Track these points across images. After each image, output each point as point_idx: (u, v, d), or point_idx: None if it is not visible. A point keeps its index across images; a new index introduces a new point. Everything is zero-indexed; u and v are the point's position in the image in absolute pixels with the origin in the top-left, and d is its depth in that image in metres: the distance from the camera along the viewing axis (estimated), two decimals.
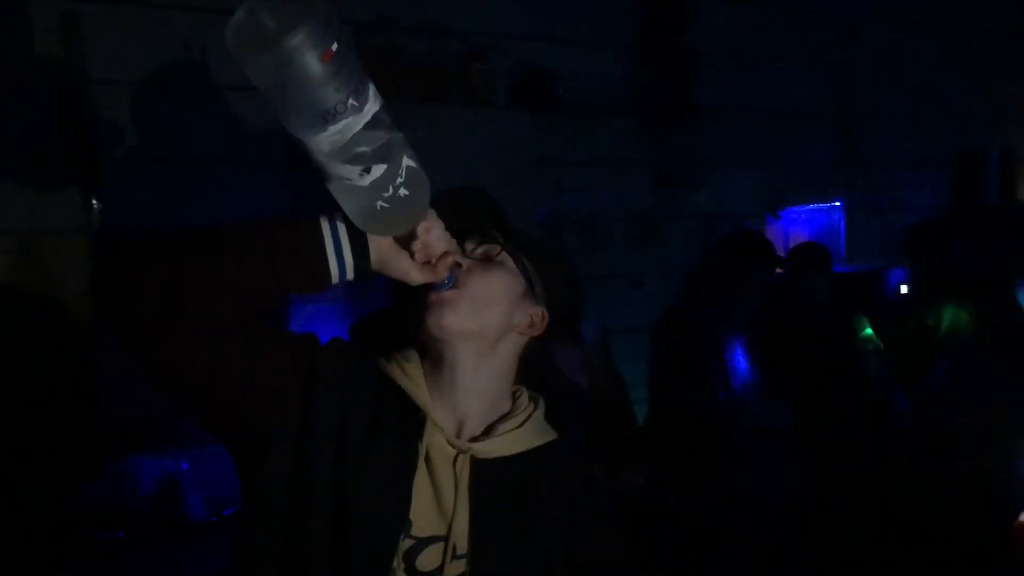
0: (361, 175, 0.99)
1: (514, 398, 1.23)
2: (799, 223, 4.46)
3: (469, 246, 1.21)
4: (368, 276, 1.09)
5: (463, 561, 1.11)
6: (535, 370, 1.27)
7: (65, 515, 2.36)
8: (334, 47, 0.92)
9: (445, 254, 1.11)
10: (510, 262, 1.20)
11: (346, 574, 1.07)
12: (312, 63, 0.91)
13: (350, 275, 1.06)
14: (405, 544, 1.10)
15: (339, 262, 1.05)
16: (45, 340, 2.45)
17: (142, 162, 2.67)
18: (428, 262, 1.11)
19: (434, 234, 1.10)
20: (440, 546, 1.11)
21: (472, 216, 1.22)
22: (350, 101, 0.95)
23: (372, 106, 0.97)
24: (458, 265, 1.15)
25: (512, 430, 1.18)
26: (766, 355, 3.03)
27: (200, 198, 2.74)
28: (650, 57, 3.71)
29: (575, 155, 3.54)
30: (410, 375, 1.17)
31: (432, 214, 1.10)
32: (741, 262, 3.04)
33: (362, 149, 0.98)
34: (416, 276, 1.11)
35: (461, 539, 1.11)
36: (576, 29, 3.50)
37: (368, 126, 0.97)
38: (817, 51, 4.22)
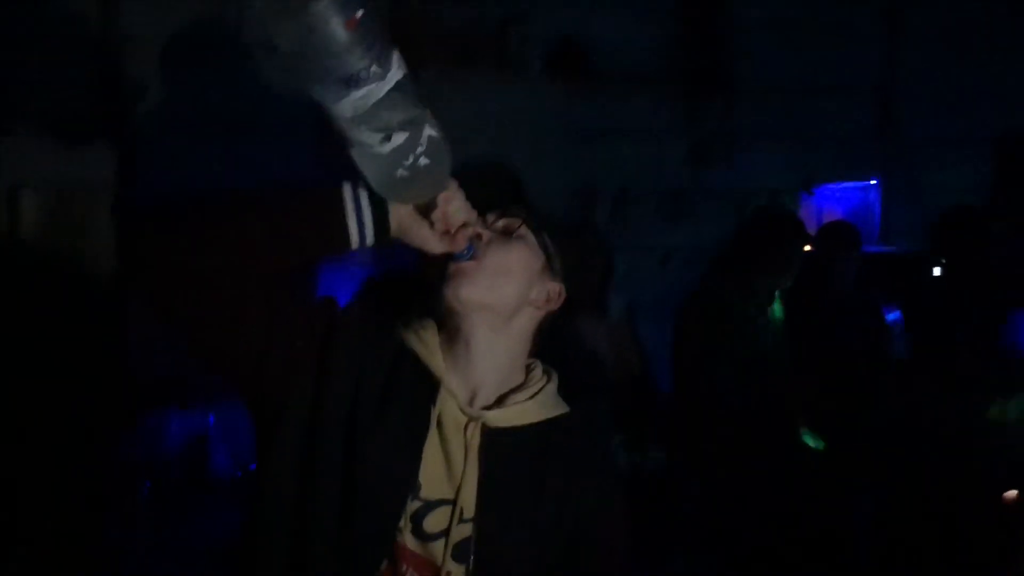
0: (382, 143, 1.00)
1: (528, 371, 1.24)
2: (833, 201, 4.40)
3: (490, 219, 1.21)
4: (388, 243, 1.10)
5: (469, 525, 1.13)
6: (556, 343, 1.28)
7: (96, 468, 2.42)
8: (359, 14, 0.92)
9: (464, 225, 1.12)
10: (530, 236, 1.21)
11: (354, 532, 1.09)
12: (337, 28, 0.92)
13: (370, 240, 1.08)
14: (413, 505, 1.12)
15: (359, 227, 1.06)
16: (77, 293, 2.49)
17: (173, 120, 2.68)
18: (447, 232, 1.12)
19: (454, 205, 1.11)
20: (447, 509, 1.13)
21: (495, 190, 1.23)
22: (373, 68, 0.95)
23: (396, 73, 0.98)
24: (478, 236, 1.15)
25: (524, 401, 1.19)
26: (792, 335, 3.00)
27: (230, 157, 2.76)
28: (688, 29, 3.65)
29: (609, 126, 3.50)
30: (426, 343, 1.18)
31: (453, 185, 1.11)
32: (768, 241, 2.99)
33: (384, 116, 0.98)
34: (435, 245, 1.12)
35: (468, 503, 1.13)
36: None
37: (391, 93, 0.98)
38: (859, 24, 4.12)
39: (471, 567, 1.12)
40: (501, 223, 1.21)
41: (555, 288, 1.21)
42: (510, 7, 3.17)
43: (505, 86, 3.13)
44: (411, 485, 1.12)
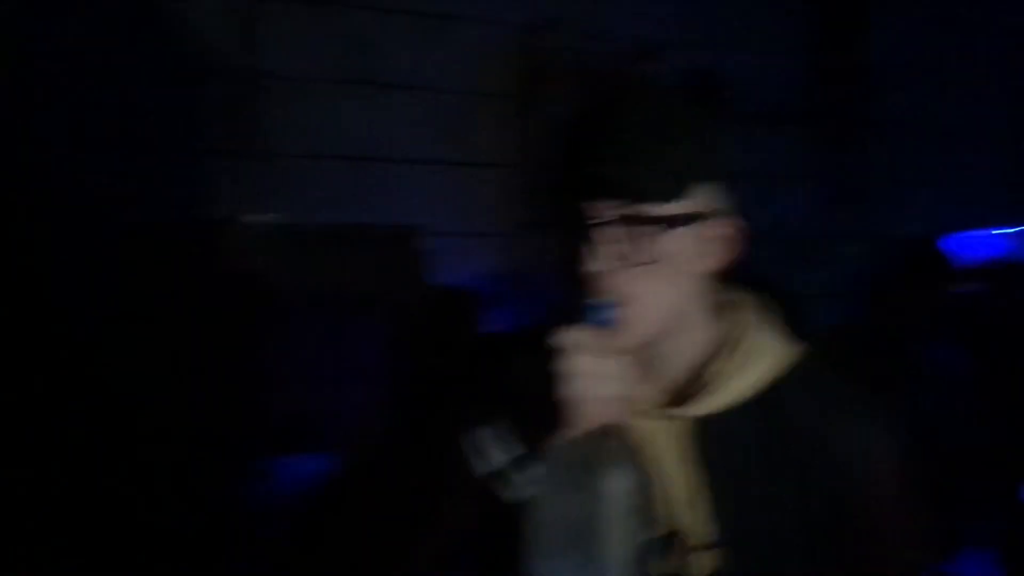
0: None
1: (722, 313, 0.99)
2: (975, 248, 4.12)
3: (605, 235, 0.88)
4: None
5: (710, 550, 0.92)
6: None
7: (224, 513, 2.34)
8: None
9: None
10: (667, 223, 0.88)
11: None
12: None
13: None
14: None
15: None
16: (214, 333, 2.45)
17: (307, 155, 2.70)
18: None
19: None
20: (680, 541, 0.92)
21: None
22: None
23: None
24: (606, 279, 0.89)
25: (729, 372, 0.95)
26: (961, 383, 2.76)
27: (364, 192, 2.78)
28: (822, 67, 3.52)
29: (742, 166, 3.35)
30: None
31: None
32: (927, 277, 2.77)
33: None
34: None
35: (702, 526, 0.92)
36: (748, 35, 3.36)
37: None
38: (1001, 62, 3.90)
39: None
40: (625, 234, 0.88)
41: (717, 236, 0.93)
42: (644, 43, 3.09)
43: None
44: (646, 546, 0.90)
